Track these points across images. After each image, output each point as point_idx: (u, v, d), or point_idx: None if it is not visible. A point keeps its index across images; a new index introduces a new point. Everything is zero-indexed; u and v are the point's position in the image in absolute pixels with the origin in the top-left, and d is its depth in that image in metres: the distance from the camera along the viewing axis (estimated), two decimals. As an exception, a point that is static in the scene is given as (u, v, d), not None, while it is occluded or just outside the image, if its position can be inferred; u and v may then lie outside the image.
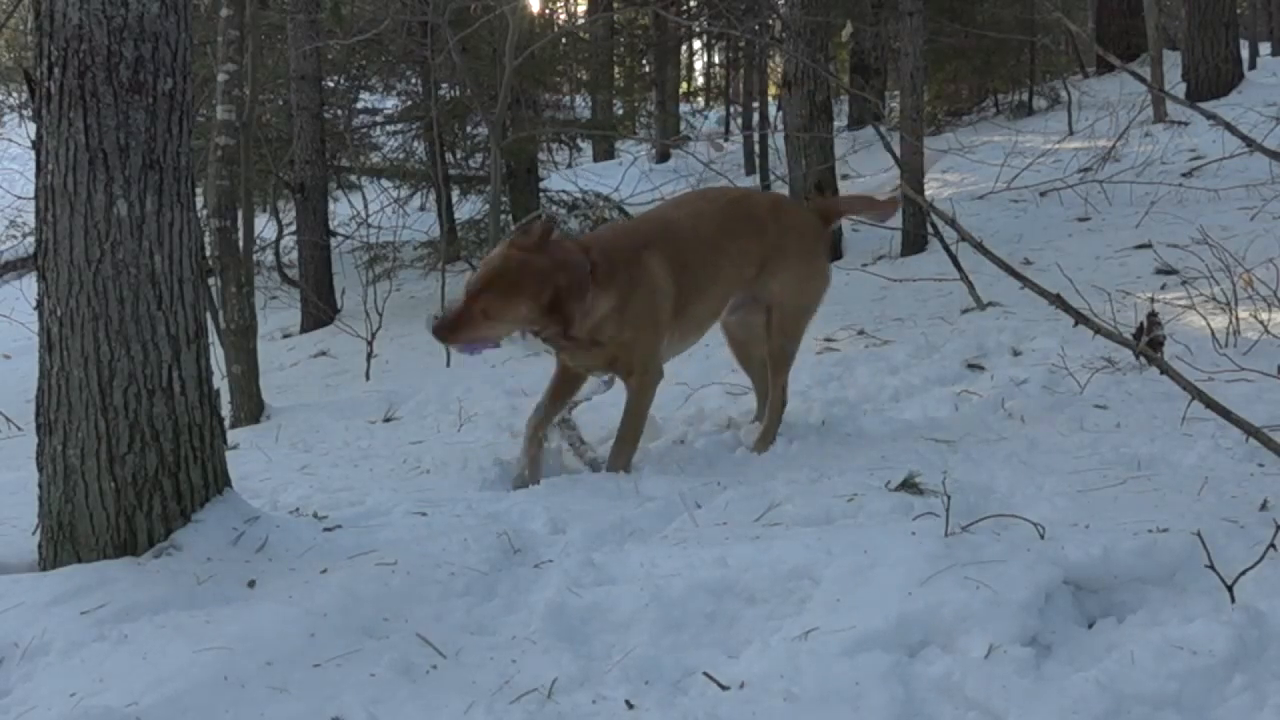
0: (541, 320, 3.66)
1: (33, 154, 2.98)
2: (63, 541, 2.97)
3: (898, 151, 7.79)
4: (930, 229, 7.67)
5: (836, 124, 11.13)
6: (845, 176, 10.65)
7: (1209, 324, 4.82)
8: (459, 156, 12.75)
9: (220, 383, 3.87)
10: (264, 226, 11.40)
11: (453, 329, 3.63)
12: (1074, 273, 5.68)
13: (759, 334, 4.27)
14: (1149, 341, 4.33)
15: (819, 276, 4.32)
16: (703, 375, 5.11)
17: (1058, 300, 3.73)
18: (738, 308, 4.27)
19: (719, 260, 4.08)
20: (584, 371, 4.07)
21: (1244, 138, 4.55)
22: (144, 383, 2.95)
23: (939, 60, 14.91)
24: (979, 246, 3.95)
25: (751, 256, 4.14)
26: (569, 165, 14.87)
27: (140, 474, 2.96)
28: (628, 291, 3.82)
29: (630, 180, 11.66)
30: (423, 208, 13.57)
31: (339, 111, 13.17)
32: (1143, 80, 5.05)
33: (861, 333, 5.74)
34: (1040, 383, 4.48)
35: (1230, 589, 2.45)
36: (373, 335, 7.70)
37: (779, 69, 13.92)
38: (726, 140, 17.97)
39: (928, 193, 9.00)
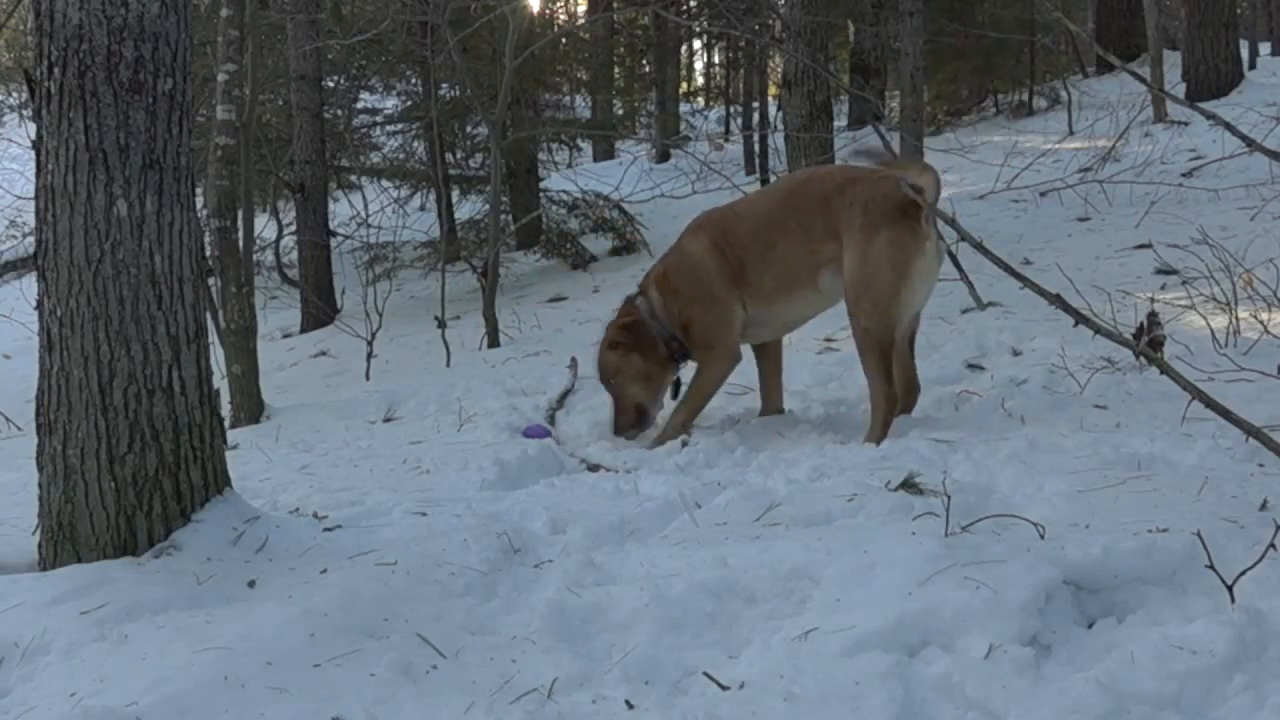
0: (637, 368, 4.57)
1: (33, 154, 2.98)
2: (63, 541, 2.97)
3: (898, 151, 7.80)
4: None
5: (836, 124, 11.13)
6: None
7: (1209, 324, 4.81)
8: (459, 156, 12.74)
9: (220, 383, 3.87)
10: (264, 226, 11.40)
11: (629, 423, 4.59)
12: (1074, 273, 5.69)
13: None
14: (1149, 341, 4.33)
15: (884, 248, 4.10)
16: (703, 375, 5.10)
17: (1058, 300, 3.73)
18: (835, 280, 4.33)
19: (773, 233, 4.39)
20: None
21: (1244, 138, 4.54)
22: (144, 383, 2.95)
23: (939, 60, 14.92)
24: (979, 246, 3.95)
25: (818, 231, 4.28)
26: (569, 165, 14.86)
27: (140, 474, 2.96)
28: (675, 275, 4.56)
29: (630, 180, 11.66)
30: (423, 208, 13.57)
31: (339, 111, 13.17)
32: (1143, 80, 5.05)
33: (862, 332, 5.72)
34: (1040, 383, 4.48)
35: (1230, 589, 2.45)
36: (373, 335, 7.70)
37: (779, 69, 13.92)
38: (726, 140, 17.96)
39: (928, 193, 8.99)
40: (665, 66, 19.25)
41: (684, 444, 4.29)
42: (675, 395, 4.69)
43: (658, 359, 4.58)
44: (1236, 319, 4.83)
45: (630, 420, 4.59)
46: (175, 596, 2.71)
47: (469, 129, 12.52)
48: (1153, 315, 4.58)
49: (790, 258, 4.34)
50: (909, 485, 3.25)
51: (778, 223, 4.38)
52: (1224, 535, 2.67)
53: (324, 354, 9.26)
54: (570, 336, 7.22)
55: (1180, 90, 12.81)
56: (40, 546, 3.05)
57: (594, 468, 4.15)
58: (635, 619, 2.59)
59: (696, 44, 24.07)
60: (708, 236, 4.51)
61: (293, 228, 11.92)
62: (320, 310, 10.88)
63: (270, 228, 12.03)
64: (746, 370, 5.25)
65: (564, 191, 12.24)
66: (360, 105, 13.81)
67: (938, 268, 4.28)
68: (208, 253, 5.96)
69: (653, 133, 17.44)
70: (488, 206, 10.24)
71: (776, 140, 12.45)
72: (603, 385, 4.68)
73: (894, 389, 4.17)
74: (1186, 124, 11.45)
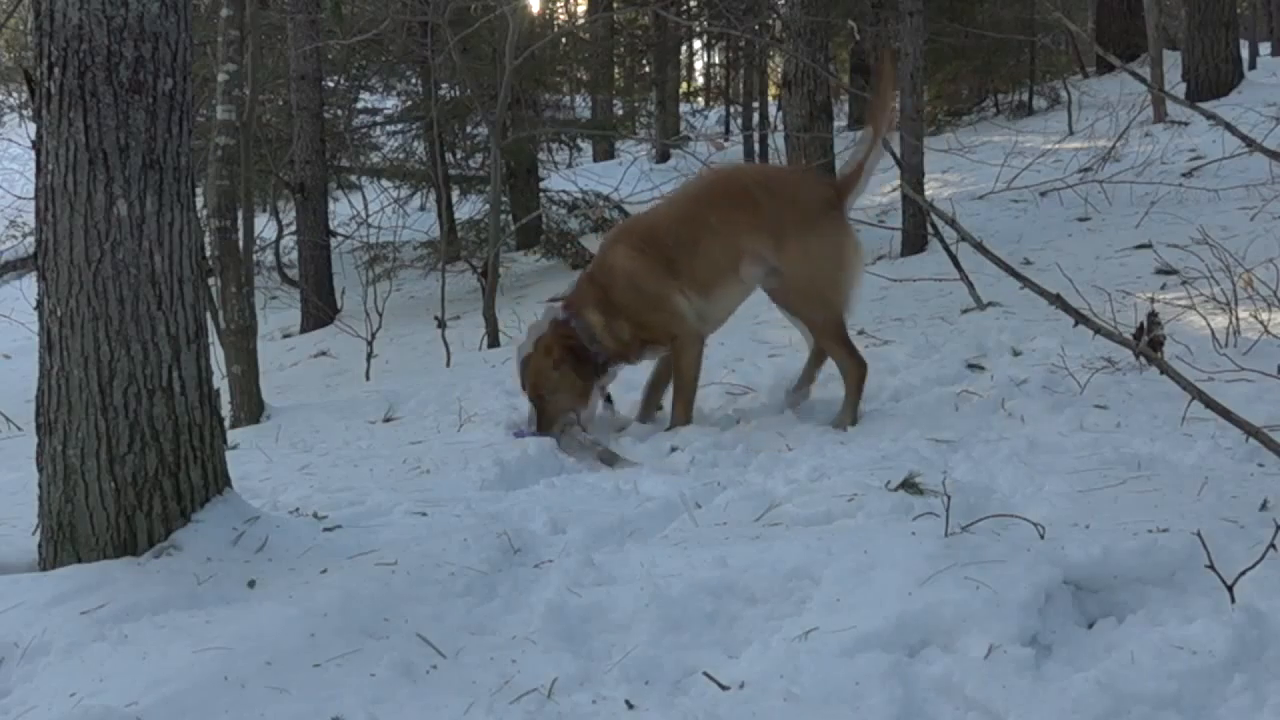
0: (573, 383, 4.54)
1: (33, 154, 2.98)
2: (63, 541, 2.97)
3: (898, 151, 7.79)
4: (930, 229, 7.67)
5: (836, 124, 11.14)
6: (845, 176, 10.65)
7: (1209, 324, 4.81)
8: (459, 156, 12.76)
9: (220, 383, 3.87)
10: (264, 226, 11.42)
11: (551, 425, 4.53)
12: (1074, 273, 5.69)
13: (783, 301, 4.57)
14: (1149, 341, 4.33)
15: (823, 243, 4.38)
16: (702, 375, 5.10)
17: (1058, 300, 3.73)
18: (768, 276, 4.45)
19: (695, 229, 4.50)
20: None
21: (1244, 138, 4.55)
22: (144, 383, 2.95)
23: (939, 60, 14.92)
24: (979, 246, 3.95)
25: (742, 226, 4.41)
26: (569, 165, 14.89)
27: (140, 474, 2.96)
28: (613, 293, 4.52)
29: (630, 180, 11.67)
30: (423, 208, 13.59)
31: (339, 111, 13.18)
32: (1143, 80, 5.05)
33: (861, 333, 5.73)
34: (1040, 383, 4.47)
35: (1230, 589, 2.45)
36: (373, 335, 7.71)
37: (779, 69, 13.93)
38: (726, 140, 17.97)
39: (928, 193, 9.00)
40: (665, 66, 19.27)
41: (672, 449, 4.26)
42: (608, 400, 4.83)
43: (591, 374, 4.64)
44: (1236, 319, 4.83)
45: (552, 422, 4.59)
46: (175, 596, 2.72)
47: (469, 129, 12.55)
48: (1153, 315, 4.57)
49: (715, 251, 4.47)
50: (909, 485, 3.25)
51: (699, 221, 4.50)
52: (1224, 535, 2.67)
53: (324, 354, 9.27)
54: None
55: (1180, 90, 12.82)
56: (40, 546, 3.05)
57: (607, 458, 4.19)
58: (635, 619, 2.59)
59: (696, 44, 24.09)
60: (628, 245, 4.59)
61: (293, 228, 11.94)
62: (320, 310, 10.90)
63: (270, 228, 12.05)
64: (747, 370, 5.26)
65: (564, 191, 12.26)
66: (360, 105, 13.83)
67: (863, 249, 4.57)
68: (208, 253, 5.96)
69: (653, 133, 17.45)
70: (488, 206, 10.25)
71: (776, 140, 12.47)
72: (528, 394, 4.64)
73: (861, 357, 4.43)
74: (1186, 124, 11.46)
